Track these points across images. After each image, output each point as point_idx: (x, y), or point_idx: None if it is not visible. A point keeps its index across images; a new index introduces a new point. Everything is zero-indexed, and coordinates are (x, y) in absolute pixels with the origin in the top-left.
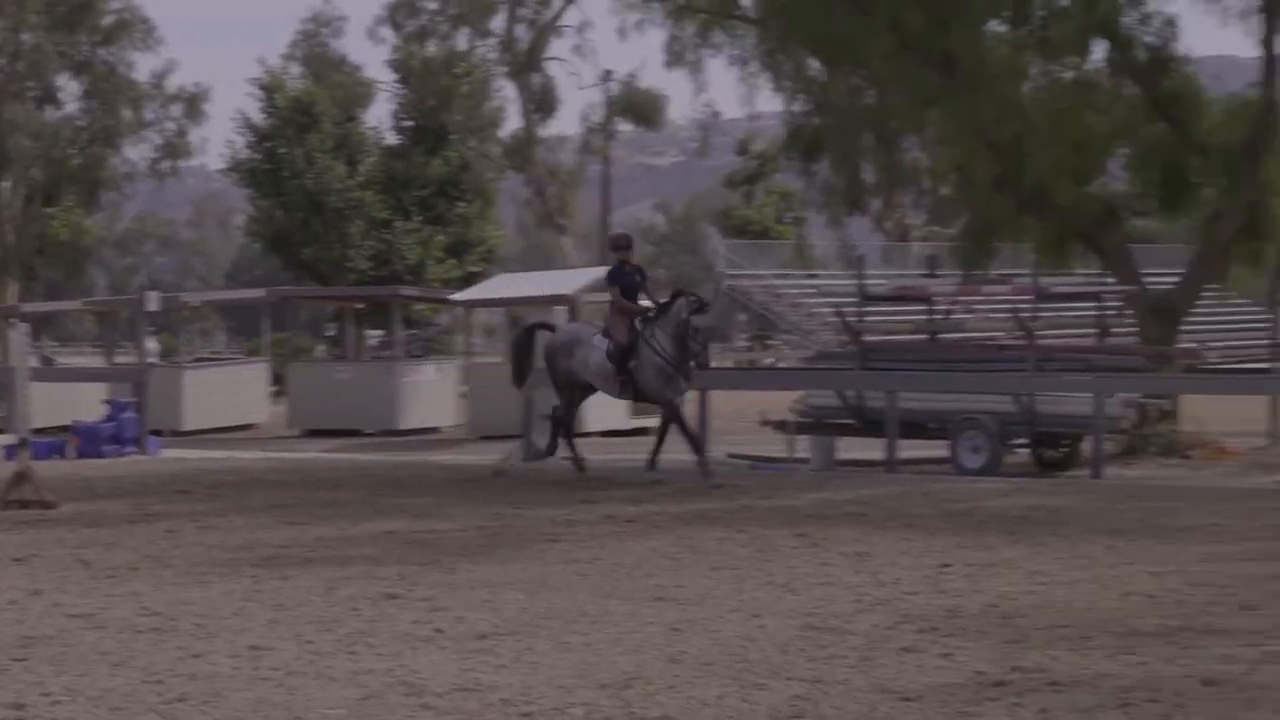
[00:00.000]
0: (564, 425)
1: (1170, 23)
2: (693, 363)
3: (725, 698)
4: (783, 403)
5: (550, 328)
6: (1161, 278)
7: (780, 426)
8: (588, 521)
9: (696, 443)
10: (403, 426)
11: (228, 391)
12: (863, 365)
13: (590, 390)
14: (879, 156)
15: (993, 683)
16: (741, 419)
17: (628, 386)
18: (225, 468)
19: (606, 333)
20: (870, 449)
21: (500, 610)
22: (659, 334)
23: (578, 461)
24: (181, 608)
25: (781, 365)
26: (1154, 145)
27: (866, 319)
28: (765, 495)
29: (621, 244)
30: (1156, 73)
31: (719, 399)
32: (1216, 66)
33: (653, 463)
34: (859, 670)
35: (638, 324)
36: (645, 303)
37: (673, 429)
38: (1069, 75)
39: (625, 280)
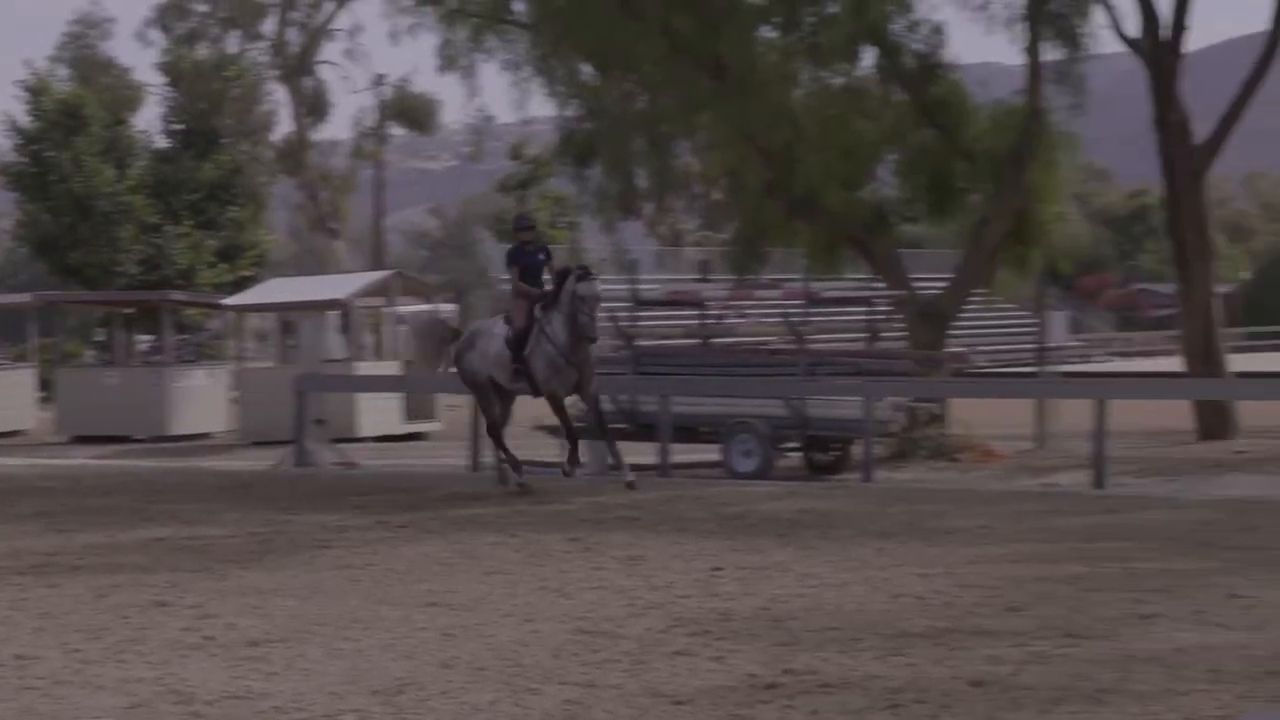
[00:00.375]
0: (492, 433)
1: (938, 30)
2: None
3: (498, 703)
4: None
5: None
6: (930, 282)
7: (555, 431)
8: (360, 527)
9: (572, 438)
10: (173, 432)
11: None
12: (636, 369)
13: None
14: (651, 161)
15: (764, 685)
16: (516, 423)
17: (521, 375)
18: None
19: (509, 320)
20: (643, 453)
21: (271, 617)
22: (554, 319)
23: (514, 465)
24: None
25: None
26: (922, 151)
27: (639, 323)
28: (538, 500)
29: (522, 224)
30: (924, 80)
31: None
32: (983, 73)
33: (572, 461)
34: (631, 674)
35: (537, 310)
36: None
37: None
38: (839, 82)
39: (526, 260)
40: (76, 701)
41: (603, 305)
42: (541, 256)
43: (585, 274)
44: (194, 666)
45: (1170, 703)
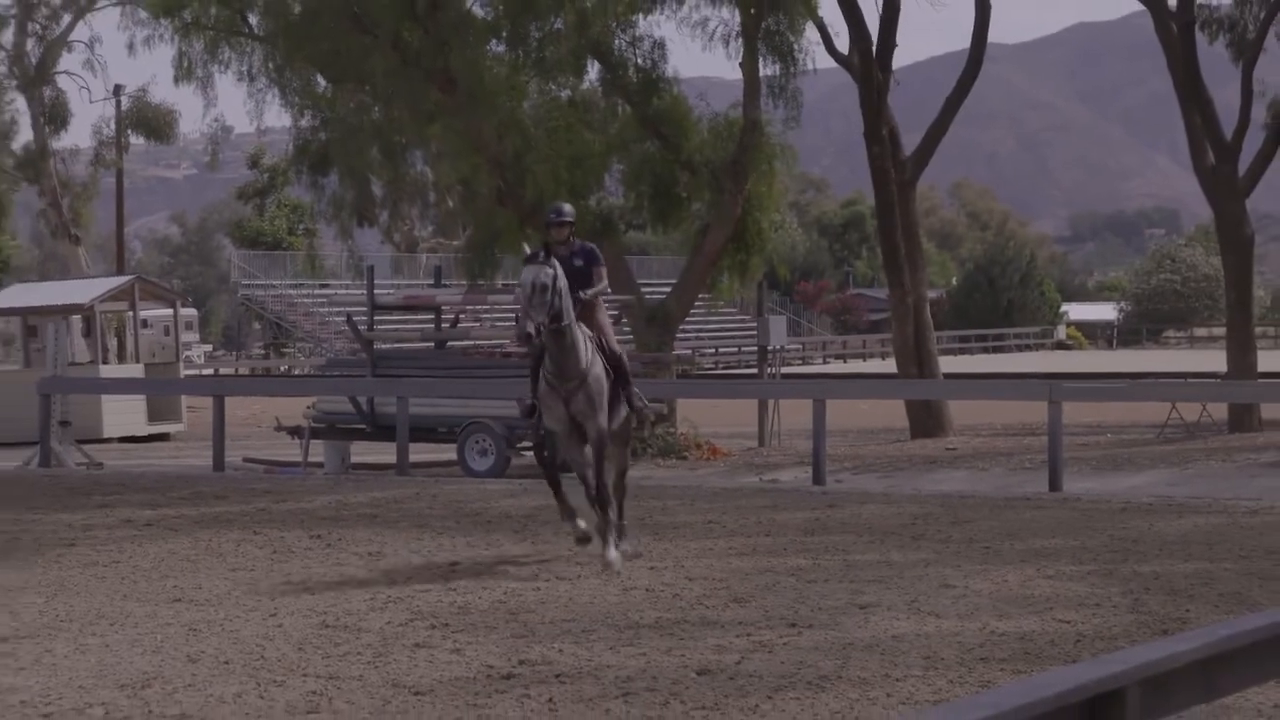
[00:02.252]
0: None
1: (659, 46)
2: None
3: (243, 695)
4: (297, 408)
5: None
6: (656, 287)
7: (294, 432)
8: (106, 526)
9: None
10: None
11: None
12: (373, 372)
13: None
14: (386, 170)
15: (502, 676)
16: (257, 424)
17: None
18: None
19: None
20: (383, 453)
21: (19, 614)
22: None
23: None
24: None
25: (295, 372)
26: (646, 161)
27: (377, 327)
28: (281, 498)
29: (551, 218)
30: (647, 93)
31: (234, 404)
32: (703, 87)
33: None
34: (373, 666)
35: None
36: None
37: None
38: (565, 94)
39: None
40: None
41: (542, 295)
42: (579, 262)
43: (528, 258)
44: None
45: (888, 688)
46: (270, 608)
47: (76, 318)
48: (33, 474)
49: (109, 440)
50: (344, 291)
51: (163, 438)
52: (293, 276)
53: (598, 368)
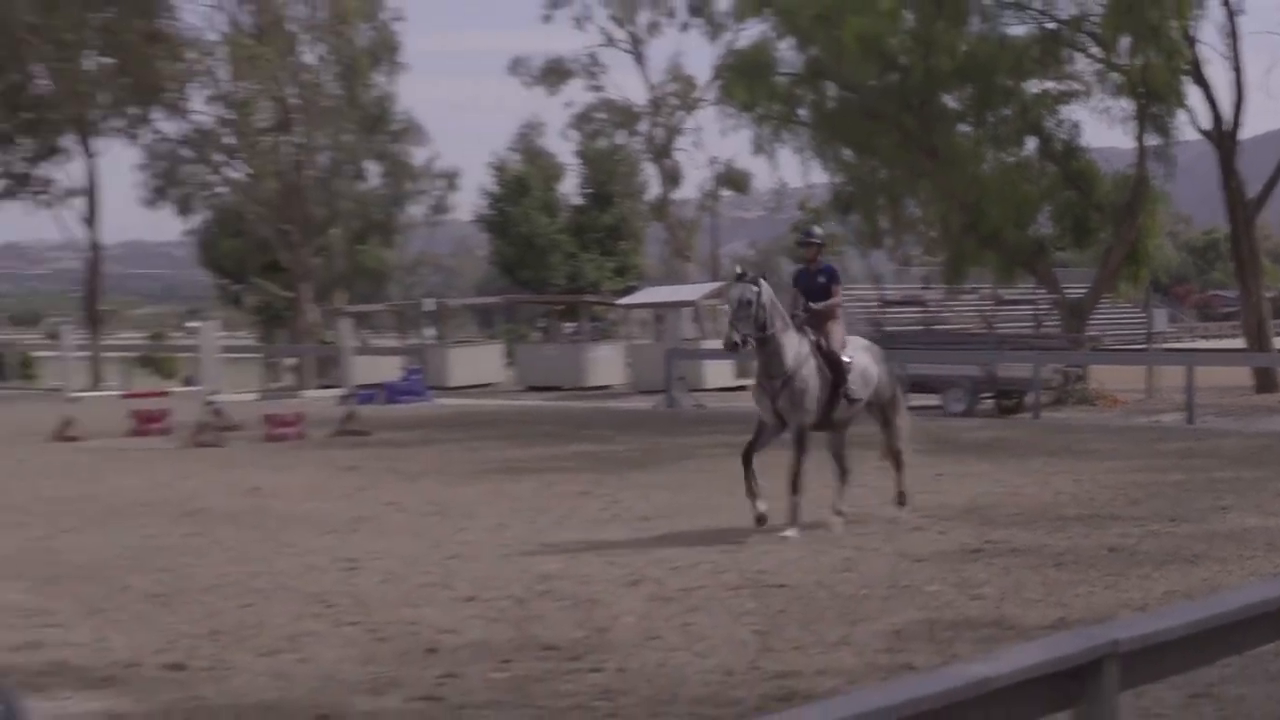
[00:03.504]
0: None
1: (1076, 125)
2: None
3: (803, 558)
4: None
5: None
6: (1075, 289)
7: None
8: (709, 445)
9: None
10: (589, 385)
11: (477, 362)
12: (883, 346)
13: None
14: (889, 211)
15: (972, 550)
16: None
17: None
18: (477, 411)
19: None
20: None
21: (654, 502)
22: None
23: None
24: (452, 499)
25: None
26: (1067, 205)
27: (887, 315)
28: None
29: (802, 239)
30: (1068, 157)
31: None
32: (1108, 154)
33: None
34: (886, 542)
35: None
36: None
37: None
38: (1012, 159)
39: (804, 283)
40: (535, 556)
41: (746, 309)
42: (821, 279)
43: (737, 277)
44: (607, 532)
45: (1240, 564)
46: (817, 502)
47: (688, 309)
48: (661, 412)
49: (709, 389)
50: (862, 292)
51: (744, 388)
52: None
53: (808, 369)
